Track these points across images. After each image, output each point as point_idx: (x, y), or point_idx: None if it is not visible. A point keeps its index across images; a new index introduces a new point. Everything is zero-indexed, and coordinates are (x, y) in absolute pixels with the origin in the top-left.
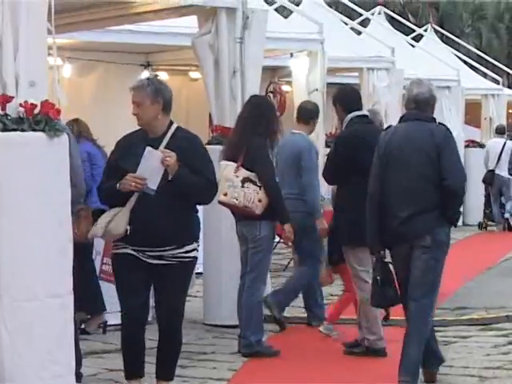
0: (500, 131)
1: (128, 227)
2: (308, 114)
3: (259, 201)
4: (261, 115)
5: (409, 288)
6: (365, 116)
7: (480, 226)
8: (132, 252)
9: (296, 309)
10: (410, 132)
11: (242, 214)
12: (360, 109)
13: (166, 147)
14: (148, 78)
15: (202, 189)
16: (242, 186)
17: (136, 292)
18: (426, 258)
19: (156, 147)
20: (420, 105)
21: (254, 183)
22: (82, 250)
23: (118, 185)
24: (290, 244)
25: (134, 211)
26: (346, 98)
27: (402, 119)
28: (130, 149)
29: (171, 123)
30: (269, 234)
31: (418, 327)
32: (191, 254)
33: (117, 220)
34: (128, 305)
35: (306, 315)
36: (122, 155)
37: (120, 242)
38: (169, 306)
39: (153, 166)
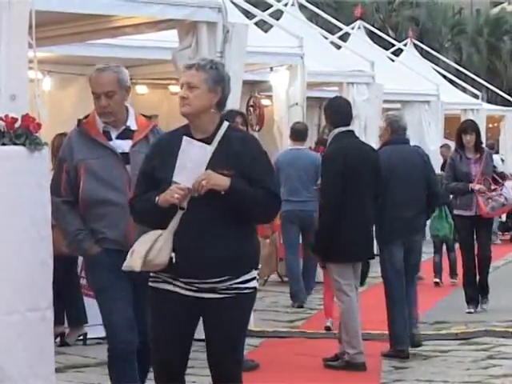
0: (490, 147)
1: (173, 255)
2: (304, 133)
3: None
4: None
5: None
6: (349, 131)
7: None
8: (175, 289)
9: (277, 323)
10: (405, 153)
11: None
12: (348, 123)
13: (216, 150)
14: (213, 60)
15: (264, 204)
16: None
17: (175, 339)
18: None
19: None
20: (405, 131)
21: None
22: (67, 263)
23: (156, 198)
24: None
25: (179, 234)
26: (334, 110)
27: (390, 142)
28: (172, 153)
29: (222, 120)
30: None
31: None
32: (250, 285)
33: (158, 247)
34: (163, 355)
35: (286, 329)
36: (160, 161)
37: (160, 273)
38: (224, 350)
39: (193, 161)
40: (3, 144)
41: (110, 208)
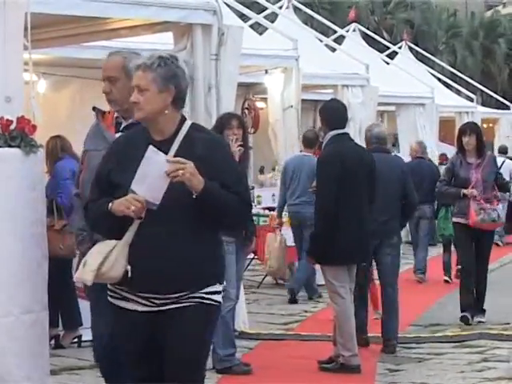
0: (502, 151)
1: (128, 267)
2: (312, 141)
3: None
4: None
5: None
6: (345, 134)
7: None
8: (134, 306)
9: (271, 325)
10: (381, 161)
11: None
12: (343, 125)
13: (177, 153)
14: (161, 56)
15: (237, 210)
16: None
17: (138, 365)
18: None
19: (164, 154)
20: (380, 140)
21: None
22: (63, 265)
23: (109, 205)
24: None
25: (135, 245)
26: (330, 113)
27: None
28: (127, 155)
29: (183, 120)
30: (230, 250)
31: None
32: (214, 297)
33: (112, 259)
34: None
35: (280, 332)
36: (117, 164)
37: (116, 287)
38: (183, 360)
39: (156, 174)
40: None
41: None
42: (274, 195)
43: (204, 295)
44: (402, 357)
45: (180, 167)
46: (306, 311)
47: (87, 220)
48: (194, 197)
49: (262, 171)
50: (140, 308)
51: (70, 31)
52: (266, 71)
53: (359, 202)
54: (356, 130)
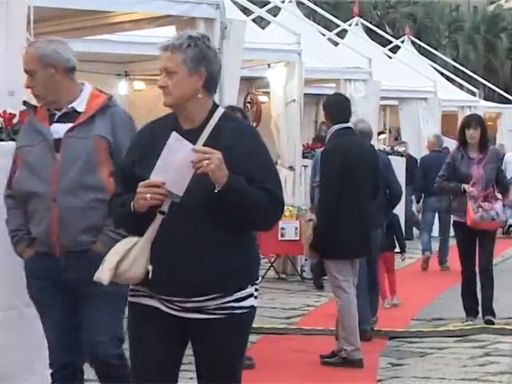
0: None
1: (149, 267)
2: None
3: None
4: None
5: None
6: (348, 128)
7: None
8: (157, 304)
9: (274, 319)
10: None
11: None
12: (347, 119)
13: (206, 144)
14: (191, 36)
15: (265, 208)
16: None
17: (162, 371)
18: None
19: (192, 143)
20: (363, 135)
21: None
22: None
23: (132, 204)
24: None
25: (157, 243)
26: (334, 107)
27: None
28: (152, 145)
29: (215, 107)
30: None
31: None
32: (245, 303)
33: (131, 258)
34: None
35: (283, 326)
36: (140, 155)
37: (138, 287)
38: (217, 372)
39: (179, 163)
40: (1, 140)
41: (36, 201)
42: None
43: (234, 304)
44: (405, 351)
45: (206, 157)
46: (308, 305)
47: (111, 217)
48: (216, 191)
49: None
50: (164, 309)
51: (73, 25)
52: (269, 65)
53: (362, 196)
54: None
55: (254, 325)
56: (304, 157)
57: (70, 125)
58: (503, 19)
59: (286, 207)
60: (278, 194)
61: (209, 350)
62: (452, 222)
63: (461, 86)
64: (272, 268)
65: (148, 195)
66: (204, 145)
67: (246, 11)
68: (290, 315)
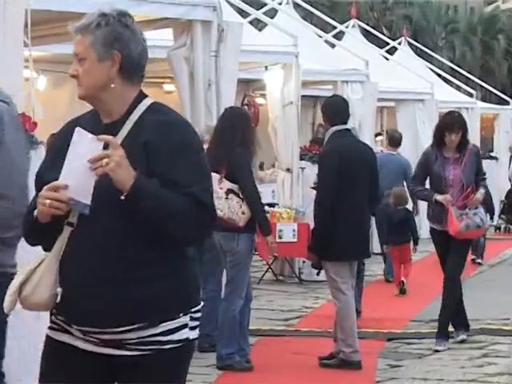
0: None
1: (58, 290)
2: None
3: (242, 213)
4: (232, 127)
5: None
6: (347, 130)
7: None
8: (73, 341)
9: (272, 321)
10: None
11: (221, 224)
12: (345, 121)
13: (124, 141)
14: (103, 14)
15: (186, 217)
16: (226, 198)
17: None
18: None
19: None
20: None
21: (237, 195)
22: None
23: (35, 212)
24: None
25: (65, 261)
26: (332, 109)
27: None
28: (64, 148)
29: (141, 98)
30: (246, 248)
31: None
32: (176, 337)
33: (36, 279)
34: None
35: (281, 328)
36: (54, 158)
37: (57, 317)
38: None
39: (82, 163)
40: None
41: None
42: (273, 191)
43: (161, 338)
44: (403, 352)
45: (103, 155)
46: (306, 307)
47: (23, 232)
48: (122, 198)
49: (261, 167)
50: (81, 345)
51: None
52: (266, 67)
53: (359, 198)
54: (355, 126)
55: (252, 326)
56: (301, 159)
57: None
58: (500, 20)
59: (283, 209)
60: (204, 199)
61: None
62: (429, 228)
63: (458, 88)
64: (270, 270)
65: (47, 201)
66: (123, 142)
67: (242, 13)
68: (288, 317)
